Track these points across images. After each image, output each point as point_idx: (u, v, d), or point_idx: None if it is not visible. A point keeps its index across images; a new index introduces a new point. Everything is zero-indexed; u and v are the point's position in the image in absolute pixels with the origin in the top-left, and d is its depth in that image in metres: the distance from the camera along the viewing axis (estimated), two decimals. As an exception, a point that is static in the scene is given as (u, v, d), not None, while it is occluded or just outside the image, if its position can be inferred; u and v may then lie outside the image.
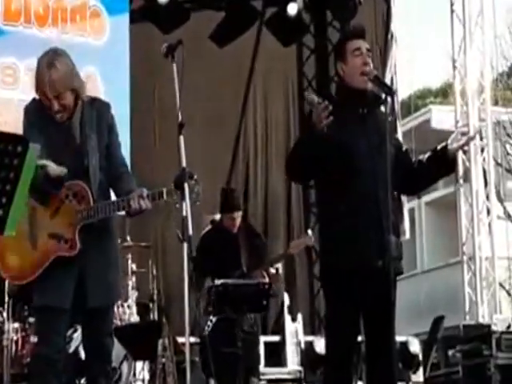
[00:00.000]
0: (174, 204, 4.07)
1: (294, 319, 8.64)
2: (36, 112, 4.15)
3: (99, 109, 4.22)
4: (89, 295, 4.06)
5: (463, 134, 4.43)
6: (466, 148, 4.48)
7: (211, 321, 6.14)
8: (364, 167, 4.29)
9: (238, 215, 6.51)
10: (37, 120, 4.13)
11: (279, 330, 8.59)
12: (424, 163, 4.46)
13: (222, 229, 6.53)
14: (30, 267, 4.05)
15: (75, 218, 4.03)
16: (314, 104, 4.10)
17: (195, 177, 4.08)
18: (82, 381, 6.42)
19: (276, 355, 8.23)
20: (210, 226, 6.66)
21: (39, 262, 4.03)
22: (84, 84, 4.20)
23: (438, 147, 4.40)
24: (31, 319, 6.77)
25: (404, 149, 4.57)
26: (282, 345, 8.37)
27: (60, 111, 4.09)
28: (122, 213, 4.30)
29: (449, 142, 4.37)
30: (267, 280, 6.30)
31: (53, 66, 4.07)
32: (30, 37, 8.48)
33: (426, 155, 4.46)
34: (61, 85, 4.06)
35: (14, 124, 8.11)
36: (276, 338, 8.45)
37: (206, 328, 6.11)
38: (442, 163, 4.41)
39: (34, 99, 4.21)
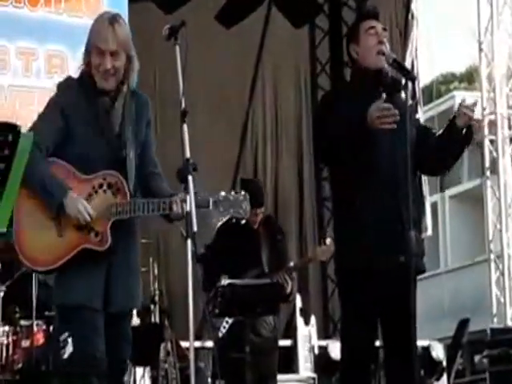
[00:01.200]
0: (220, 218, 4.06)
1: (306, 322, 8.66)
2: (75, 90, 4.07)
3: (139, 102, 4.17)
4: (112, 298, 4.01)
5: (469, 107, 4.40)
6: (476, 121, 4.37)
7: (227, 322, 6.15)
8: (382, 154, 4.32)
9: (261, 211, 6.38)
10: (73, 99, 4.05)
11: (291, 333, 8.61)
12: (441, 137, 4.47)
13: (241, 222, 6.44)
14: (53, 255, 3.97)
15: (109, 211, 3.95)
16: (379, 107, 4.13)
17: (243, 193, 4.07)
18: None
19: (288, 361, 8.25)
20: (226, 218, 6.56)
21: (64, 251, 3.95)
22: (135, 69, 4.13)
23: (449, 121, 4.40)
24: (23, 322, 6.80)
25: (423, 126, 4.54)
26: (294, 350, 8.40)
27: (109, 73, 4.01)
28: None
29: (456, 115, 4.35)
30: (290, 284, 6.19)
31: (116, 21, 4.04)
32: (21, 17, 8.51)
33: (441, 131, 4.47)
34: (121, 41, 4.01)
35: (4, 111, 8.19)
36: (288, 343, 8.47)
37: (222, 330, 6.12)
38: (457, 135, 4.38)
39: (69, 77, 4.16)
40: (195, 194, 3.96)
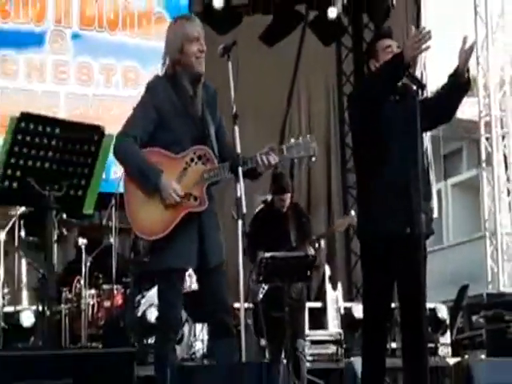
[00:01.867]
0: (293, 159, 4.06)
1: (334, 288, 8.64)
2: (163, 86, 4.09)
3: (210, 92, 4.19)
4: (209, 254, 4.00)
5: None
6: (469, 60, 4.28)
7: (263, 288, 6.17)
8: (395, 143, 4.31)
9: (288, 197, 6.45)
10: (163, 93, 4.07)
11: (321, 297, 8.60)
12: (444, 88, 4.41)
13: (273, 208, 6.53)
14: (162, 224, 3.94)
15: (202, 178, 3.97)
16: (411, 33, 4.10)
17: (309, 135, 4.08)
18: (150, 341, 6.50)
19: (319, 319, 8.24)
20: (262, 205, 6.65)
21: (170, 218, 3.95)
22: None
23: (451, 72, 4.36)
24: (105, 286, 6.85)
25: (423, 98, 4.46)
26: (323, 310, 8.37)
27: (203, 55, 4.08)
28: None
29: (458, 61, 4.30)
30: (313, 253, 6.28)
31: (191, 15, 4.23)
32: (103, 40, 8.60)
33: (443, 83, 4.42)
34: (202, 29, 4.12)
35: (89, 116, 8.27)
36: (319, 305, 8.45)
37: (260, 295, 6.14)
38: (457, 81, 4.32)
39: (157, 76, 4.16)
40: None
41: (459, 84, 4.34)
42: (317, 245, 6.54)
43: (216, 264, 4.03)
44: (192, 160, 4.00)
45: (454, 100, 4.44)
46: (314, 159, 4.08)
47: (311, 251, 6.25)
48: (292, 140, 4.07)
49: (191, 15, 4.24)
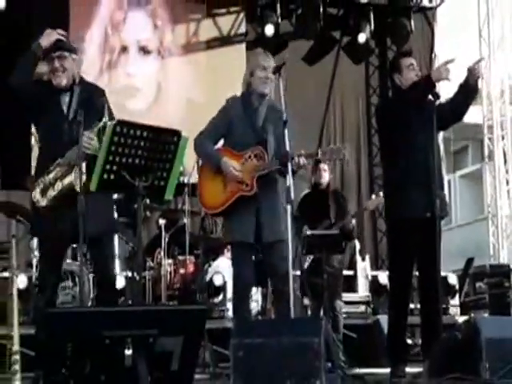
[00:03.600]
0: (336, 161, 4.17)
1: (363, 259, 8.58)
2: (238, 103, 4.28)
3: (278, 112, 4.26)
4: (265, 232, 4.10)
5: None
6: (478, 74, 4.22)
7: (310, 258, 6.15)
8: (416, 141, 4.26)
9: (323, 168, 6.26)
10: (237, 108, 4.25)
11: (353, 266, 8.54)
12: (455, 94, 4.37)
13: (315, 188, 6.42)
14: (220, 201, 4.19)
15: (254, 170, 4.14)
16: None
17: (343, 144, 4.31)
18: (215, 300, 6.54)
19: (351, 285, 8.19)
20: (307, 190, 6.59)
21: (227, 198, 4.16)
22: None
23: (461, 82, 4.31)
24: (180, 257, 6.91)
25: (437, 104, 4.40)
26: (354, 277, 8.32)
27: (270, 79, 4.23)
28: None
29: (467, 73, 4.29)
30: (355, 225, 6.16)
31: (264, 50, 4.40)
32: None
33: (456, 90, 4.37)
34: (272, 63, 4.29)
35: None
36: (351, 273, 8.41)
37: (307, 263, 6.13)
38: (466, 89, 4.31)
39: (235, 95, 4.34)
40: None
41: (469, 90, 4.30)
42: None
43: (273, 240, 4.06)
44: (249, 157, 4.15)
45: (465, 102, 4.39)
46: (347, 163, 4.23)
47: (353, 224, 6.18)
48: (330, 146, 4.26)
49: (265, 50, 4.39)
